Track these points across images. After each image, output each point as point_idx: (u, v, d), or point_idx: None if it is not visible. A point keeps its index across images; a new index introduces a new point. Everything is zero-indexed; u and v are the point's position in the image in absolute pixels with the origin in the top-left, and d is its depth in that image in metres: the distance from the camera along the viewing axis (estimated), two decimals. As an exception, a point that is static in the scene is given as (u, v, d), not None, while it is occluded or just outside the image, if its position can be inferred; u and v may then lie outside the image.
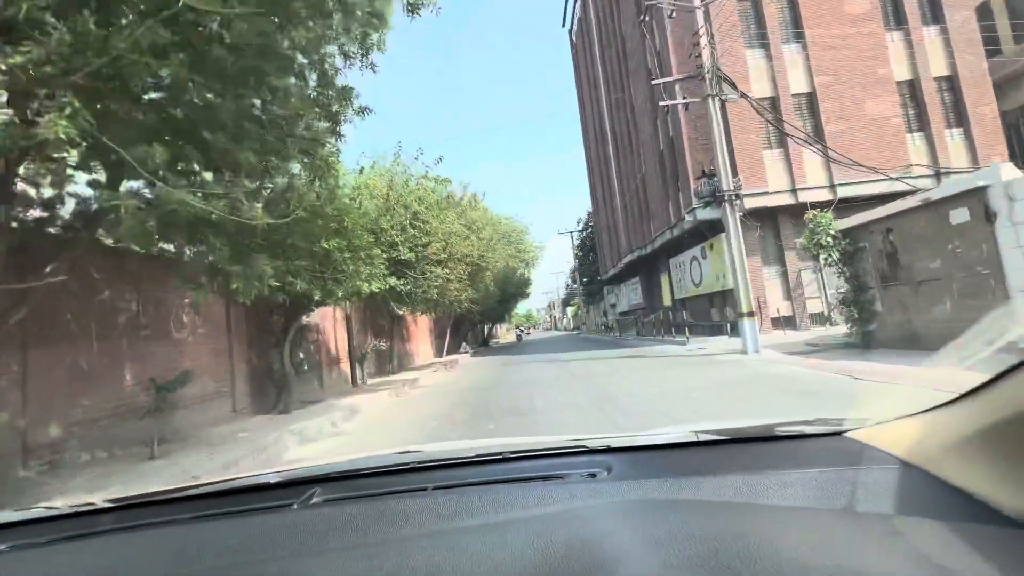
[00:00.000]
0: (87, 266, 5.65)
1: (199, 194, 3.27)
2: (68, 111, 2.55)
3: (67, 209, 4.44)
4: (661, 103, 11.96)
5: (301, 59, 5.28)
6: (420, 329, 22.04)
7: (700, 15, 12.44)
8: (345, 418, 7.71)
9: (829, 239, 9.56)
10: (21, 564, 0.91)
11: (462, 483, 1.05)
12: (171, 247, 5.71)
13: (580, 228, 45.10)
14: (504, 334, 58.82)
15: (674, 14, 12.99)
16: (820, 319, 14.57)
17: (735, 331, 14.82)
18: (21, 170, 3.79)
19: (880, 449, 0.94)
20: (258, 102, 4.38)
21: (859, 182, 13.62)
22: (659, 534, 0.68)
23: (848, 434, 1.06)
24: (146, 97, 3.56)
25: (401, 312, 9.65)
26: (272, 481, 1.16)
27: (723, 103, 11.22)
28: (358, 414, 8.13)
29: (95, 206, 3.74)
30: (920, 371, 5.42)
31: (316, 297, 5.85)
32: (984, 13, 15.03)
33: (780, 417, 1.27)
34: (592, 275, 40.86)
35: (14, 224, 3.98)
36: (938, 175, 13.96)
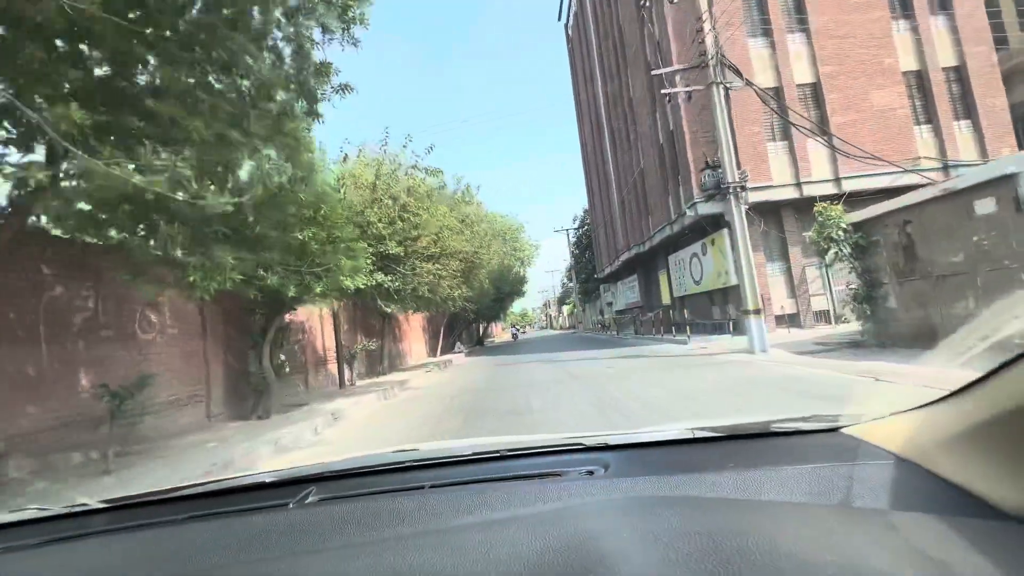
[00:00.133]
0: (32, 259, 5.08)
1: (130, 167, 2.71)
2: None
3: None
4: (663, 91, 11.44)
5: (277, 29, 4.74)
6: (413, 328, 21.48)
7: (703, 0, 11.93)
8: (327, 424, 7.16)
9: (840, 233, 9.09)
10: (13, 566, 0.90)
11: (458, 481, 1.04)
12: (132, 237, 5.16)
13: (576, 226, 44.59)
14: (500, 333, 58.31)
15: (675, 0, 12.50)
16: (825, 317, 14.13)
17: (737, 330, 14.39)
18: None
19: (876, 445, 0.94)
20: (217, 72, 3.83)
21: (865, 175, 13.17)
22: (657, 531, 0.67)
23: (844, 430, 1.06)
24: (63, 46, 2.99)
25: (390, 310, 9.07)
26: (267, 481, 1.14)
27: (727, 91, 10.73)
28: (341, 420, 7.59)
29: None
30: (959, 373, 4.93)
31: (291, 293, 5.29)
32: (991, 2, 14.62)
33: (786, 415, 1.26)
34: (588, 273, 40.39)
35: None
36: (946, 168, 13.53)
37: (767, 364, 8.32)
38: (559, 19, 37.95)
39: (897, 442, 0.89)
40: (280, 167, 4.32)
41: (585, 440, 1.18)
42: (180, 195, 3.11)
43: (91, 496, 1.16)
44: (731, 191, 10.40)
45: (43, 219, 4.49)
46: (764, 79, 13.98)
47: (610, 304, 33.36)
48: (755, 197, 13.34)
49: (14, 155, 3.32)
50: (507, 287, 28.67)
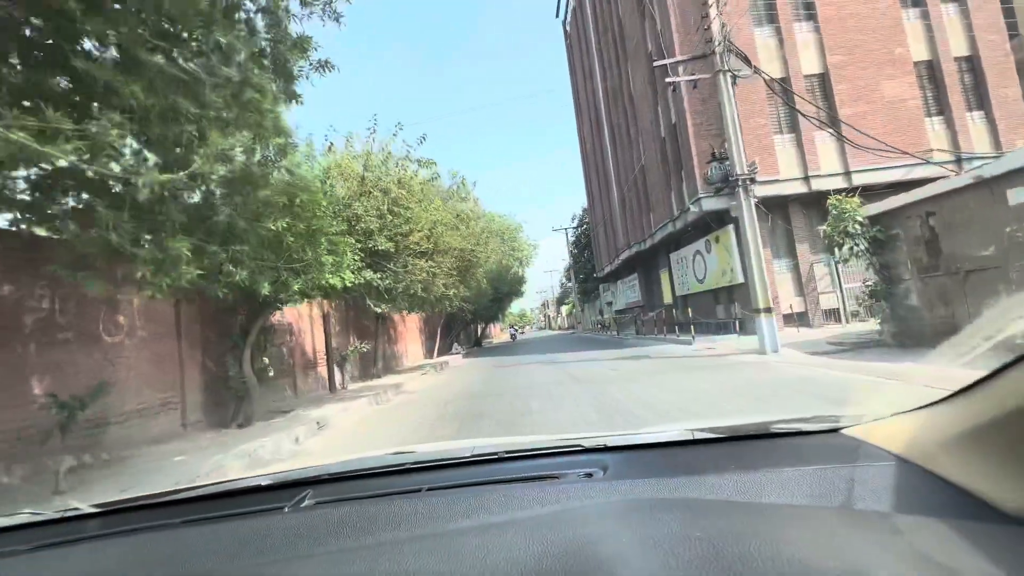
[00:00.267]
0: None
1: (17, 132, 2.18)
2: None
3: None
4: (668, 79, 10.94)
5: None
6: (409, 329, 20.94)
7: (708, -15, 11.41)
8: (310, 433, 6.64)
9: (857, 226, 8.60)
10: (5, 571, 0.89)
11: (456, 484, 1.03)
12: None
13: (575, 225, 44.08)
14: (498, 334, 57.79)
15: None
16: (834, 316, 13.65)
17: (744, 329, 13.89)
18: None
19: (877, 446, 0.93)
20: (164, 32, 3.30)
21: (877, 168, 12.70)
22: (657, 535, 0.67)
23: (845, 431, 1.05)
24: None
25: (380, 310, 8.54)
26: (263, 484, 1.14)
27: (734, 79, 10.23)
28: (327, 428, 7.06)
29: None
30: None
31: (264, 291, 4.77)
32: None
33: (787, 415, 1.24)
34: (588, 273, 39.88)
35: None
36: (959, 161, 13.06)
37: (781, 365, 7.82)
38: (557, 15, 37.47)
39: (899, 443, 0.89)
40: (247, 145, 3.79)
41: (584, 442, 1.17)
42: (111, 170, 2.58)
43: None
44: (740, 184, 9.91)
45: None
46: (770, 70, 13.46)
47: (610, 304, 32.87)
48: (761, 191, 12.81)
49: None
50: (505, 287, 28.15)
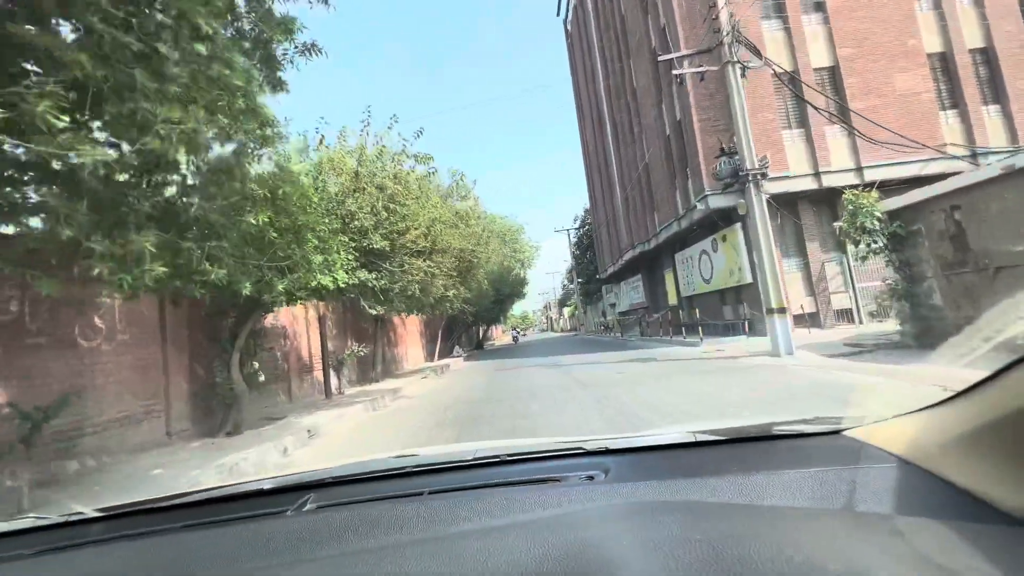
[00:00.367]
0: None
1: None
2: None
3: None
4: (675, 71, 10.56)
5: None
6: (409, 331, 20.57)
7: (715, -26, 11.03)
8: (301, 443, 6.27)
9: (875, 222, 8.19)
10: (10, 575, 0.90)
11: (458, 487, 1.04)
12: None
13: (577, 226, 43.68)
14: (500, 336, 57.38)
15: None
16: (847, 316, 13.23)
17: (752, 330, 13.47)
18: None
19: (878, 447, 0.93)
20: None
21: (891, 163, 12.29)
22: (658, 537, 0.67)
23: (846, 433, 1.05)
24: None
25: (375, 312, 8.15)
26: (266, 488, 1.14)
27: (744, 70, 9.85)
28: (319, 436, 6.68)
29: None
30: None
31: (245, 292, 4.40)
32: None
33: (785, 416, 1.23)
34: (590, 274, 39.46)
35: None
36: (975, 155, 12.64)
37: (799, 369, 7.41)
38: (558, 14, 37.15)
39: (900, 445, 0.88)
40: (220, 126, 3.42)
41: (585, 444, 1.17)
42: (37, 147, 2.21)
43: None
44: (750, 179, 9.52)
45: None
46: (779, 63, 13.09)
47: (613, 305, 32.45)
48: (770, 188, 12.38)
49: None
50: (507, 289, 27.77)
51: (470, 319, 26.38)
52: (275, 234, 4.53)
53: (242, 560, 0.80)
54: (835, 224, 9.23)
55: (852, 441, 1.00)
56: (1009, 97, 13.09)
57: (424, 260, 8.54)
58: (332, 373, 11.51)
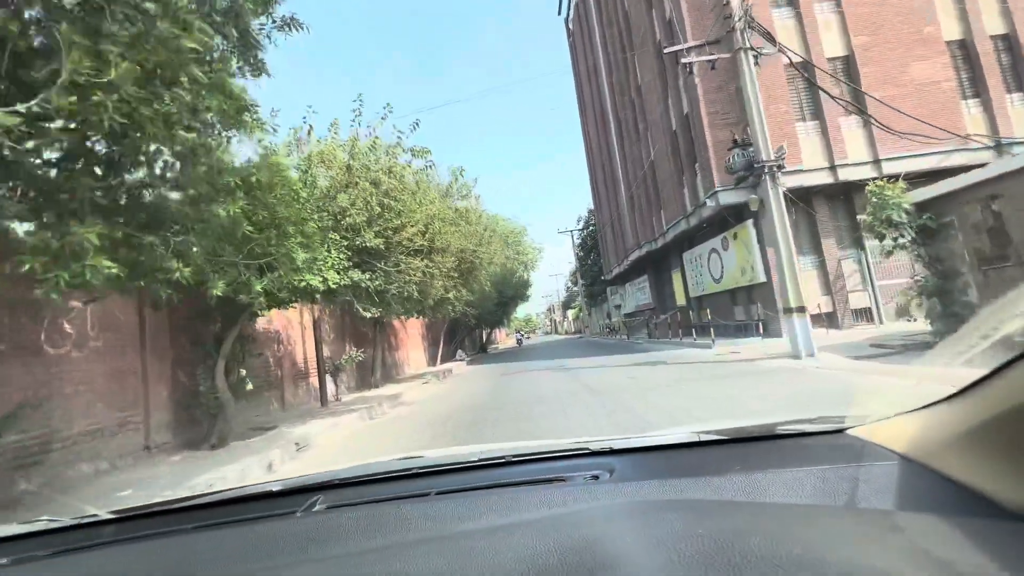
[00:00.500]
0: None
1: None
2: None
3: None
4: (684, 59, 10.07)
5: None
6: (411, 335, 20.11)
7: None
8: (289, 456, 5.79)
9: (902, 215, 7.67)
10: None
11: (464, 488, 1.05)
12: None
13: (580, 227, 43.17)
14: (503, 339, 56.81)
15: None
16: (866, 316, 12.66)
17: (767, 331, 12.93)
18: None
19: (881, 445, 0.92)
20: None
21: (910, 155, 11.74)
22: (662, 534, 0.67)
23: (849, 431, 1.05)
24: None
25: (371, 314, 7.68)
26: (275, 490, 1.15)
27: (757, 57, 9.35)
28: (309, 448, 6.21)
29: None
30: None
31: (217, 292, 3.93)
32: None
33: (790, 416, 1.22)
34: (594, 276, 38.92)
35: None
36: (999, 145, 12.08)
37: (825, 372, 6.88)
38: (559, 13, 36.76)
39: (902, 442, 0.88)
40: (177, 99, 2.96)
41: (590, 445, 1.18)
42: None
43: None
44: (766, 170, 9.00)
45: None
46: (792, 52, 12.60)
47: (618, 307, 31.89)
48: (784, 182, 11.94)
49: None
50: (510, 291, 27.28)
51: (473, 322, 25.90)
52: (251, 228, 4.06)
53: (252, 560, 0.81)
54: (859, 217, 8.71)
55: (854, 439, 1.00)
56: (1033, 85, 12.53)
57: (422, 260, 8.07)
58: (329, 379, 11.05)
